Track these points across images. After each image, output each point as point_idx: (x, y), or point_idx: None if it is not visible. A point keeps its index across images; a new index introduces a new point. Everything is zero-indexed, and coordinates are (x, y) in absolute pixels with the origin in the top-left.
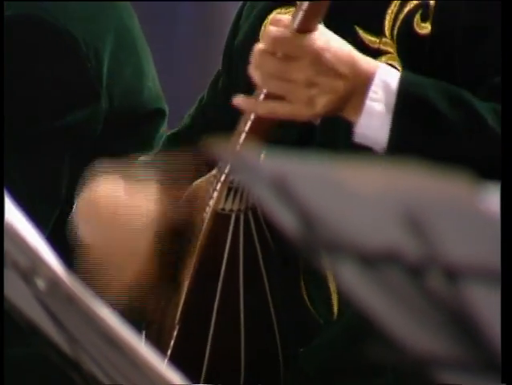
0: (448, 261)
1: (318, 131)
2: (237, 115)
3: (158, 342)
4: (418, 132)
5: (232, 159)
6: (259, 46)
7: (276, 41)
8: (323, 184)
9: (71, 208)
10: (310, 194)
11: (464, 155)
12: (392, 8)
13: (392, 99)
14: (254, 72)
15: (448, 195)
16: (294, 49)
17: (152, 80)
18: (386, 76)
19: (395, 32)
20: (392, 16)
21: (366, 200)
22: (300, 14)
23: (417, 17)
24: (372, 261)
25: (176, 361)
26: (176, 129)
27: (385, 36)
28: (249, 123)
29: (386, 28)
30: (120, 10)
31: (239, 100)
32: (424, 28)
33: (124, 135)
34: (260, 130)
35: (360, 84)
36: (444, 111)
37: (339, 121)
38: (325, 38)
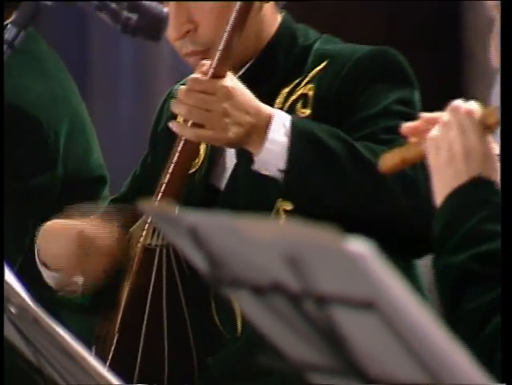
0: (319, 291)
1: (221, 196)
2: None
3: (104, 349)
4: (309, 156)
5: (154, 214)
6: (183, 87)
7: (198, 80)
8: (226, 233)
9: (33, 253)
10: (216, 241)
11: (345, 174)
12: (280, 99)
13: (289, 132)
14: (180, 108)
15: (319, 241)
16: (211, 86)
17: (97, 153)
18: (282, 116)
19: None
20: (280, 105)
21: (257, 245)
22: (214, 62)
23: (299, 105)
24: (262, 292)
25: (116, 362)
26: (117, 194)
27: None
28: (172, 166)
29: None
30: (74, 101)
31: (173, 124)
32: (304, 112)
33: (76, 194)
34: (178, 176)
35: (262, 121)
36: (326, 140)
37: (238, 189)
38: (234, 81)
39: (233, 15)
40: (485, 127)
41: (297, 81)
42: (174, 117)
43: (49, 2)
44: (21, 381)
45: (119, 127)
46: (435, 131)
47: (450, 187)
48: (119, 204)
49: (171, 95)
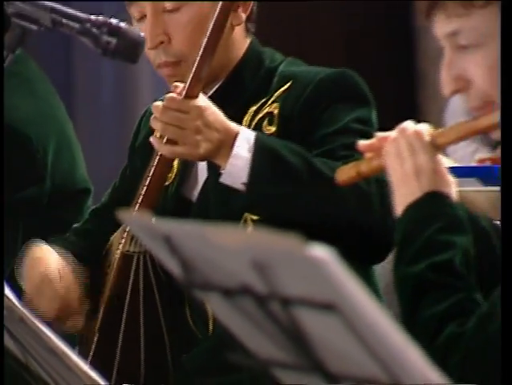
0: (284, 293)
1: (193, 207)
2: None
3: (86, 347)
4: (270, 170)
5: (132, 223)
6: (160, 105)
7: (173, 100)
8: (197, 240)
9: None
10: (189, 247)
11: (303, 187)
12: (247, 117)
13: (252, 148)
14: (156, 124)
15: (284, 247)
16: (184, 106)
17: (82, 168)
18: (247, 134)
19: (251, 130)
20: (247, 123)
21: (227, 251)
22: (187, 83)
23: (265, 122)
24: (231, 294)
25: (97, 359)
26: (98, 204)
27: None
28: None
29: (245, 127)
30: (61, 120)
31: (153, 140)
32: (270, 130)
33: (62, 205)
34: (154, 187)
35: (229, 138)
36: (286, 156)
37: (209, 201)
38: (206, 102)
39: (205, 40)
40: (435, 147)
41: (263, 100)
42: (152, 132)
43: (35, 27)
44: (11, 377)
45: (102, 143)
46: (388, 149)
47: (406, 202)
48: (99, 213)
49: (148, 113)
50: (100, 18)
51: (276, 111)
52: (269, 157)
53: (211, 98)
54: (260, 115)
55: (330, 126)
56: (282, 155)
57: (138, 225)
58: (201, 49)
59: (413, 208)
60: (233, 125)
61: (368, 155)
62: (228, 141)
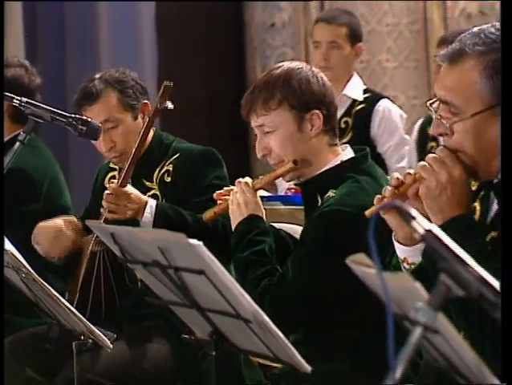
0: (177, 265)
1: (128, 222)
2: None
3: (72, 298)
4: (163, 222)
5: (93, 227)
6: (107, 193)
7: (112, 189)
8: (129, 235)
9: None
10: (124, 239)
11: (177, 228)
12: (156, 172)
13: (154, 210)
14: (104, 203)
15: (176, 239)
16: (118, 192)
17: (66, 197)
18: (151, 201)
19: (158, 180)
20: (156, 175)
21: (145, 241)
22: (120, 178)
23: (166, 175)
24: (147, 265)
25: (79, 304)
26: (81, 214)
27: (154, 182)
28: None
29: (154, 179)
30: (55, 170)
31: (102, 210)
32: (168, 179)
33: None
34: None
35: (142, 205)
36: (170, 214)
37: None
38: (131, 189)
39: (130, 159)
40: (255, 189)
41: (164, 162)
42: (103, 178)
43: (41, 121)
44: (26, 310)
45: (80, 183)
46: (232, 193)
47: (238, 220)
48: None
49: (102, 168)
50: (77, 115)
51: (171, 169)
52: (162, 214)
53: (137, 163)
54: (162, 171)
55: (202, 181)
56: (168, 214)
57: (96, 228)
58: (130, 157)
59: (243, 223)
60: (144, 198)
61: (219, 202)
62: (142, 207)
